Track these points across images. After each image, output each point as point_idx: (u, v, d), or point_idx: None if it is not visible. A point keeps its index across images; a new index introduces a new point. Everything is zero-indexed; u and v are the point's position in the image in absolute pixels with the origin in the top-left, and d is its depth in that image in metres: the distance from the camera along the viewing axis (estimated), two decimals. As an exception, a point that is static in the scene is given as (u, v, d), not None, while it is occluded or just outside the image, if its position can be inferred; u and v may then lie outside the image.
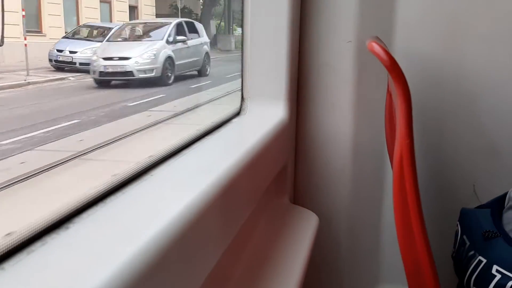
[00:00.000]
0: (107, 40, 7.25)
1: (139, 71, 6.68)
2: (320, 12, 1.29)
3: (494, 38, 1.26)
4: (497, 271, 0.82)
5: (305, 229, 1.18)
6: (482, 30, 1.25)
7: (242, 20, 1.25)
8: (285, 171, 1.27)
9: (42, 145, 4.07)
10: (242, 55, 1.26)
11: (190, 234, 0.63)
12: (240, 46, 1.24)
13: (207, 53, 8.30)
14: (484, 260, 0.86)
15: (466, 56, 1.27)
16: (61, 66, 6.97)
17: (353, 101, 1.30)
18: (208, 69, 8.35)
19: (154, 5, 11.08)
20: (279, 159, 1.21)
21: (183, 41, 7.70)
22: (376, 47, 0.67)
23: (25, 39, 6.14)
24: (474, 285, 0.86)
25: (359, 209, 1.39)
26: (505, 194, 1.04)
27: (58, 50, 7.07)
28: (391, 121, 1.11)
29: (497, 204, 1.04)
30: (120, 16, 9.71)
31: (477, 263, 0.87)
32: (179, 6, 12.86)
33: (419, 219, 0.69)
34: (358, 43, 1.26)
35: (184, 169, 0.84)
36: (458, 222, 1.06)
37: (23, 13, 6.51)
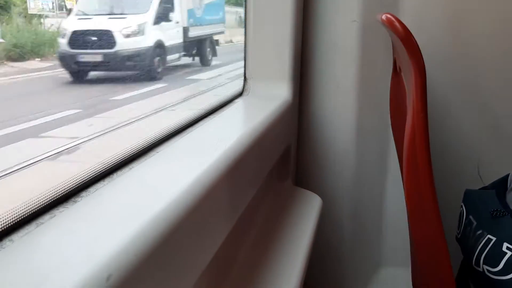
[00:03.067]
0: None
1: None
2: None
3: (499, 18, 1.24)
4: (508, 248, 0.82)
5: (309, 211, 1.17)
6: (488, 9, 1.24)
7: (245, -1, 1.23)
8: (288, 152, 1.26)
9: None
10: (245, 35, 1.24)
11: (198, 209, 0.62)
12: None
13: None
14: (494, 238, 0.86)
15: (471, 38, 1.26)
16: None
17: (358, 82, 1.29)
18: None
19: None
20: (283, 140, 1.20)
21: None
22: (391, 19, 0.66)
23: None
24: (484, 263, 0.86)
25: (362, 191, 1.38)
26: (507, 176, 1.04)
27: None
28: (397, 101, 1.10)
29: (501, 185, 1.04)
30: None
31: (486, 241, 0.87)
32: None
33: (431, 195, 0.68)
34: (363, 22, 1.25)
35: (189, 146, 0.83)
36: (462, 203, 1.06)
37: None
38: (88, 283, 0.40)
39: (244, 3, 1.23)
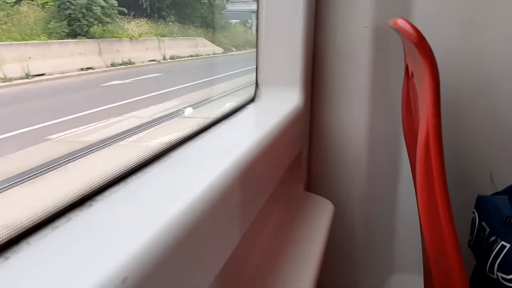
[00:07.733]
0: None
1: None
2: None
3: None
4: None
5: (321, 217, 1.17)
6: (501, 17, 1.24)
7: (257, 5, 1.24)
8: (300, 158, 1.26)
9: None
10: (257, 41, 1.25)
11: (212, 214, 0.62)
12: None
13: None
14: (508, 245, 0.85)
15: (484, 43, 1.25)
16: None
17: (369, 88, 1.29)
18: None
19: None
20: (295, 146, 1.20)
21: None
22: (403, 23, 0.66)
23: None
24: (498, 270, 0.85)
25: (374, 197, 1.37)
26: None
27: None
28: (409, 107, 1.09)
29: None
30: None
31: (500, 248, 0.86)
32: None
33: (445, 201, 0.68)
34: (375, 28, 1.25)
35: (202, 151, 0.83)
36: (474, 209, 1.05)
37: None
38: (104, 285, 0.40)
39: (256, 9, 1.24)
